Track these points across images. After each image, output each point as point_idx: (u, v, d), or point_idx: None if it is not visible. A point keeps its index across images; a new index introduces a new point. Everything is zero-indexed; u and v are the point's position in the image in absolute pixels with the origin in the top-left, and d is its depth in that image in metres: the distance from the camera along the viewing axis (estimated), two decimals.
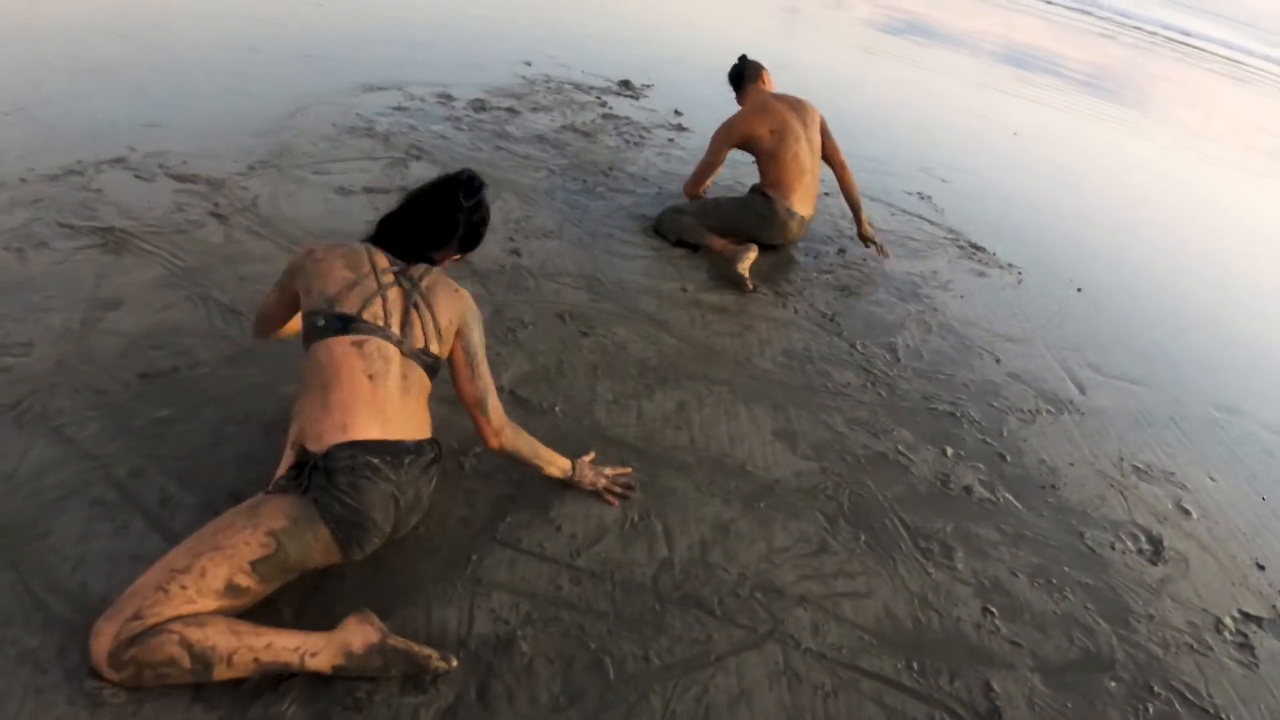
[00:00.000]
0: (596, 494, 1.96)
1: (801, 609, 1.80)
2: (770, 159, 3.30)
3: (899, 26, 10.69)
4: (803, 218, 3.34)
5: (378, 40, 4.93)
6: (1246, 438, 2.96)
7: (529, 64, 5.06)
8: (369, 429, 1.53)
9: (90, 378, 1.94)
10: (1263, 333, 4.09)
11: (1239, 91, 15.96)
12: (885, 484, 2.25)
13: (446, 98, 4.18)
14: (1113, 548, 2.24)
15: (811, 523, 2.05)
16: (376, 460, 1.52)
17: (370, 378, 1.57)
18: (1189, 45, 21.26)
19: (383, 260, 1.72)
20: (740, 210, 3.33)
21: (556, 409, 2.21)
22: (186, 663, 1.32)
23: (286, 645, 1.39)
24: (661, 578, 1.79)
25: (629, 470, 2.04)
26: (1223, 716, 1.82)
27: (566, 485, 1.96)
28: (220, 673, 1.35)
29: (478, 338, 1.77)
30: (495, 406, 1.76)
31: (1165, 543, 2.29)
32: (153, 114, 3.23)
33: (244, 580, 1.40)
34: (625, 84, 5.18)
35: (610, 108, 4.69)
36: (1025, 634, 1.90)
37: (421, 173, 3.33)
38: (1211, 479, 2.65)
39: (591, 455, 2.03)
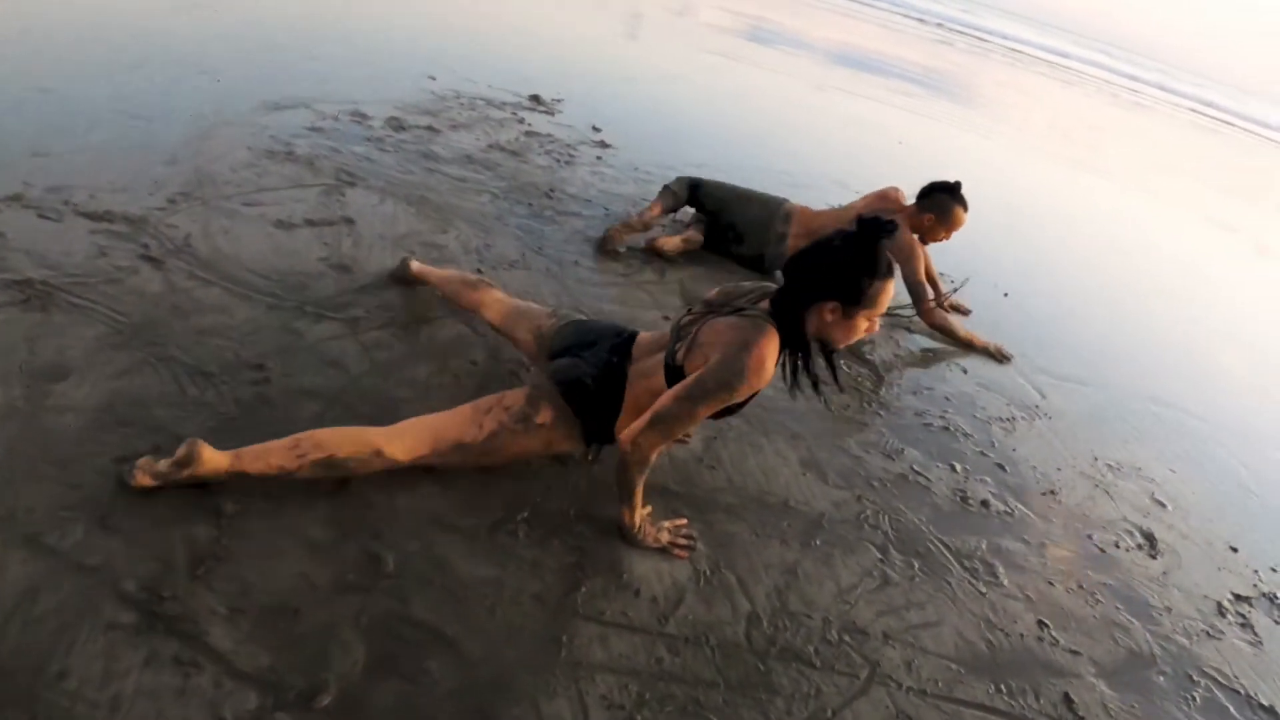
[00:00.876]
0: (661, 550, 1.88)
1: (890, 647, 1.82)
2: None
3: (766, 35, 11.16)
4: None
5: (269, 52, 4.53)
6: (1183, 427, 3.31)
7: (433, 78, 4.83)
8: None
9: (55, 469, 1.63)
10: (1159, 324, 4.59)
11: (1069, 93, 17.94)
12: (915, 507, 2.31)
13: (360, 116, 3.91)
14: (1117, 546, 2.42)
15: (866, 555, 2.07)
16: None
17: None
18: (1018, 50, 23.62)
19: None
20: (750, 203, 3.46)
21: (586, 455, 2.10)
22: None
23: None
24: (753, 633, 1.75)
25: (685, 521, 1.97)
26: (1252, 695, 2.01)
27: (627, 542, 1.87)
28: None
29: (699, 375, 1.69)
30: (645, 424, 1.71)
31: (1156, 536, 2.51)
32: (38, 141, 2.79)
33: None
34: (536, 99, 5.06)
35: (529, 125, 4.56)
36: (1078, 641, 2.01)
37: (360, 200, 3.09)
38: (1171, 470, 2.94)
39: (648, 509, 1.94)
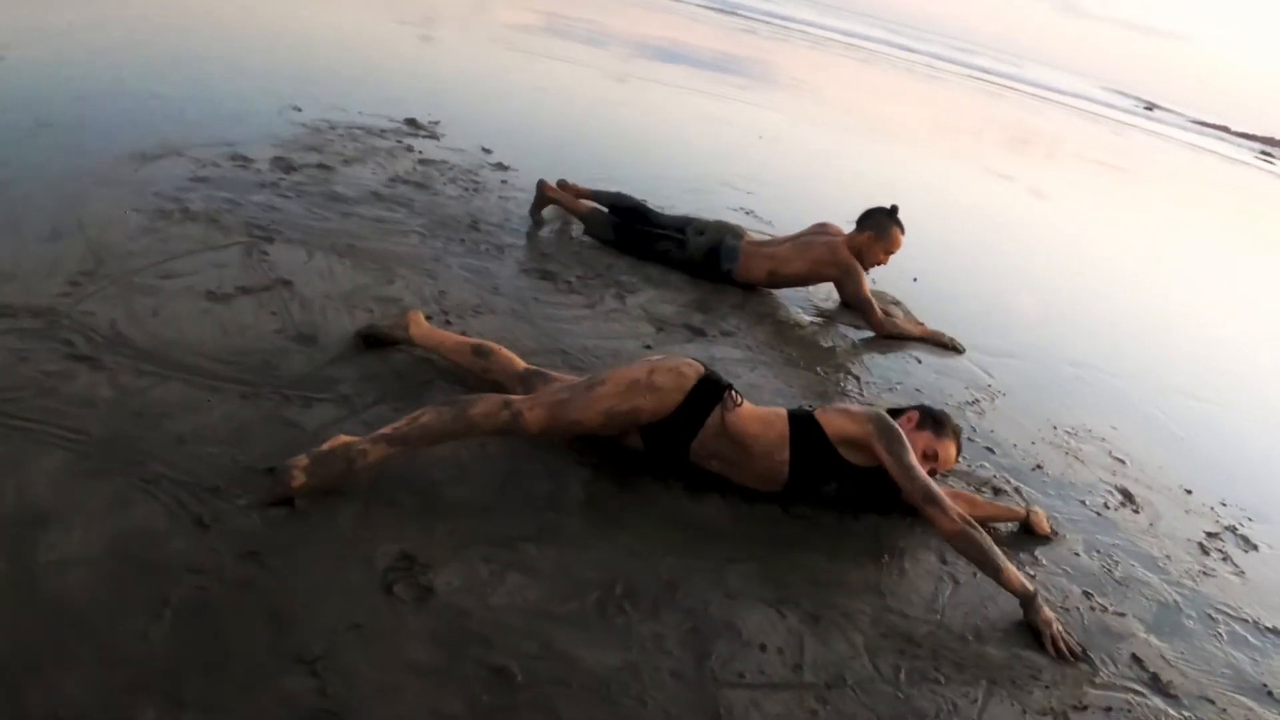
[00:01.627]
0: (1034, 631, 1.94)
1: (988, 647, 1.90)
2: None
3: (587, 34, 11.21)
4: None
5: (106, 94, 3.97)
6: (1104, 385, 3.70)
7: (299, 109, 4.43)
8: None
9: (86, 643, 1.35)
10: (1033, 286, 5.09)
11: (877, 72, 19.39)
12: None
13: (242, 159, 3.52)
14: (1107, 507, 2.67)
15: (928, 560, 2.16)
16: None
17: None
18: (815, 34, 25.20)
19: None
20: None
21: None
22: None
23: None
24: (879, 663, 1.76)
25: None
26: (1259, 622, 2.29)
27: (1031, 617, 1.97)
28: None
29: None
30: (931, 502, 1.99)
31: (1131, 491, 2.80)
32: None
33: None
34: (413, 123, 4.79)
35: (420, 152, 4.31)
36: (1119, 603, 2.20)
37: (286, 257, 2.79)
38: (1113, 428, 3.28)
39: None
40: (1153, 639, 2.10)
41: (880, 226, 3.42)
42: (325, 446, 1.79)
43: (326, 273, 2.78)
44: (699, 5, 22.37)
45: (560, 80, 7.64)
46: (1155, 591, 2.30)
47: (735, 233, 3.65)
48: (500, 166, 4.44)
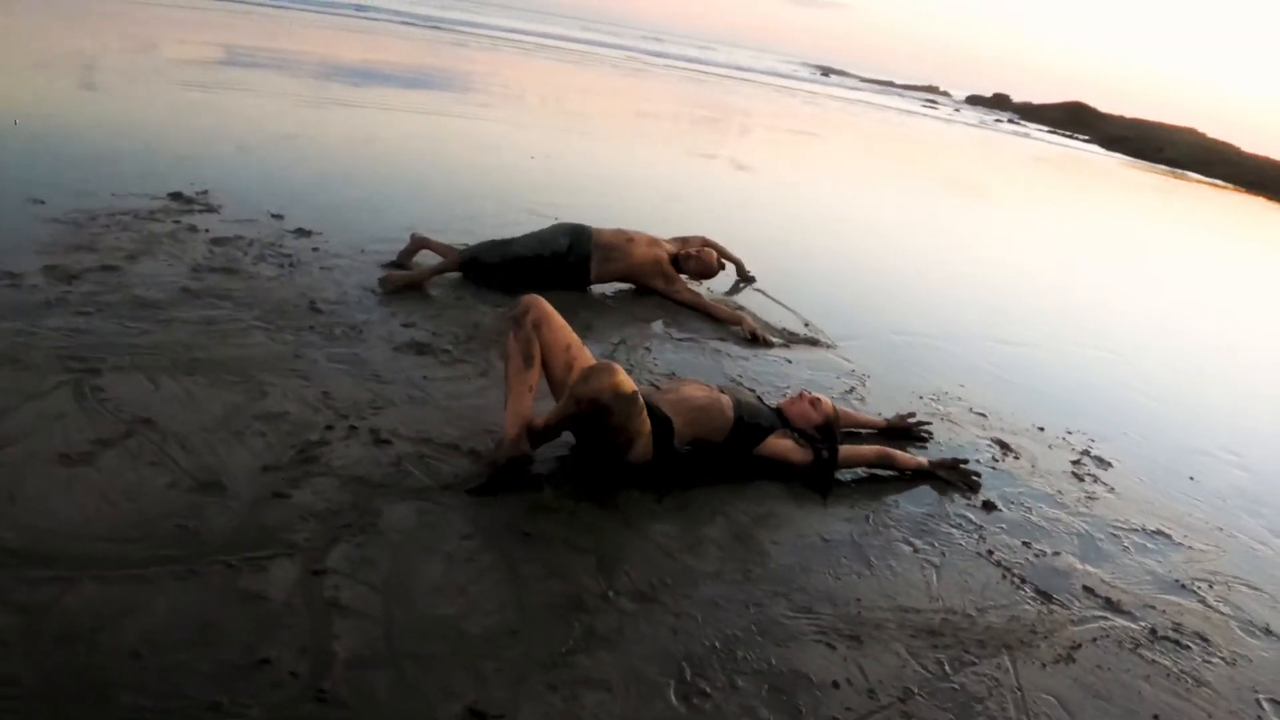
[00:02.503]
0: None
1: (992, 617, 2.12)
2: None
3: (290, 64, 10.46)
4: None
5: None
6: (930, 348, 4.20)
7: (42, 202, 3.70)
8: None
9: None
10: (828, 261, 5.61)
11: (595, 72, 19.94)
12: (891, 502, 2.65)
13: (9, 276, 2.88)
14: (995, 460, 3.06)
15: (905, 552, 2.35)
16: None
17: None
18: (519, 41, 25.40)
19: None
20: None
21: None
22: None
23: None
24: (923, 662, 1.90)
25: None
26: (1145, 527, 2.76)
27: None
28: None
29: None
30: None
31: (1003, 440, 3.22)
32: None
33: None
34: (179, 197, 4.19)
35: (207, 230, 3.80)
36: (1051, 544, 2.54)
37: (126, 389, 2.35)
38: (961, 385, 3.74)
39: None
40: (1088, 568, 2.46)
41: (695, 245, 4.29)
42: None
43: (186, 399, 2.39)
44: (399, 22, 21.75)
45: (305, 122, 7.06)
46: (1066, 525, 2.68)
47: (586, 234, 3.99)
48: (302, 232, 4.04)
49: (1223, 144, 39.52)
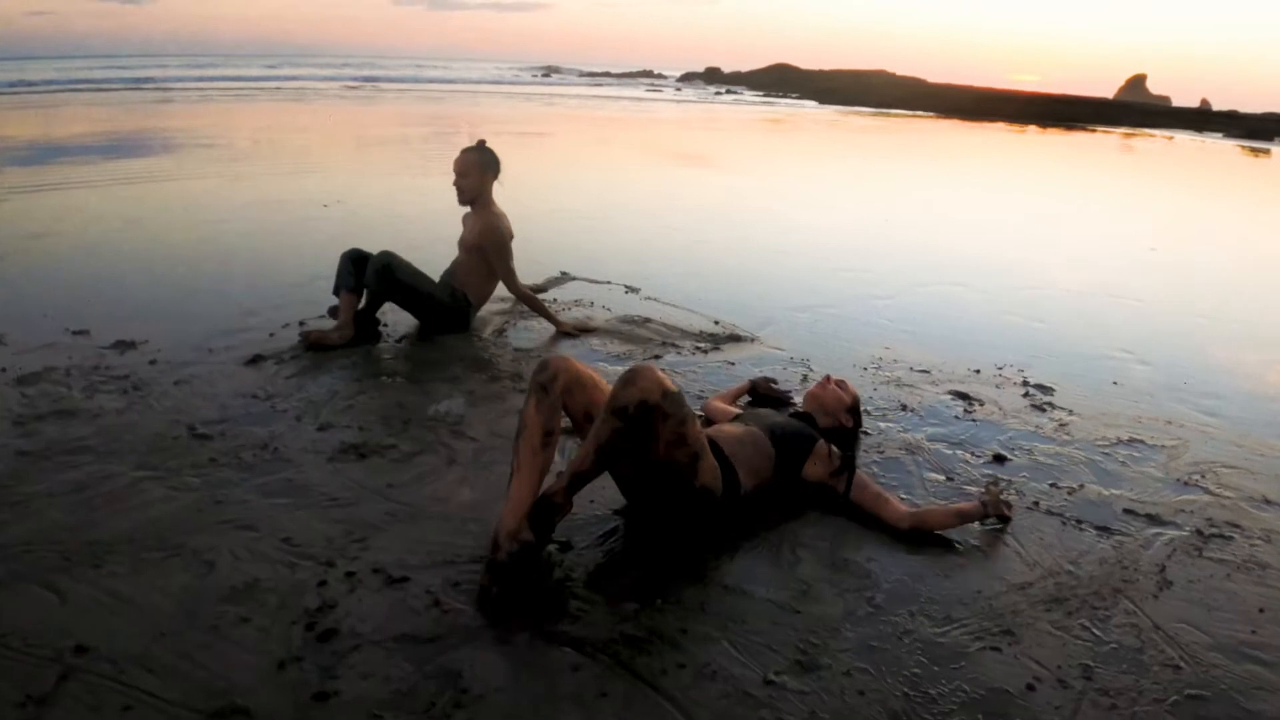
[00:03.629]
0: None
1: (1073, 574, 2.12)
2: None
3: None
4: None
5: None
6: (836, 318, 4.28)
7: None
8: None
9: None
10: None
11: (313, 106, 18.48)
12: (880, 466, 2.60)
13: None
14: (968, 413, 3.13)
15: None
16: None
17: None
18: (235, 87, 23.14)
19: None
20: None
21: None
22: None
23: None
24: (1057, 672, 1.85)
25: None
26: (1121, 439, 2.94)
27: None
28: None
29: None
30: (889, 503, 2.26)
31: (960, 391, 3.32)
32: None
33: None
34: None
35: (3, 369, 2.98)
36: (1070, 478, 2.63)
37: (12, 616, 1.73)
38: (885, 348, 3.81)
39: None
40: (1113, 491, 2.58)
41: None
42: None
43: (113, 602, 1.80)
44: (91, 89, 19.05)
45: (48, 214, 5.86)
46: (1068, 457, 2.80)
47: (449, 271, 3.82)
48: (124, 345, 3.30)
49: (912, 79, 45.15)
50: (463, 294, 3.73)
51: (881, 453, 2.74)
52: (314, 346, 3.39)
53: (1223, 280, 6.30)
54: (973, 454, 2.77)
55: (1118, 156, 19.81)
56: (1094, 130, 30.23)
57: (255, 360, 3.23)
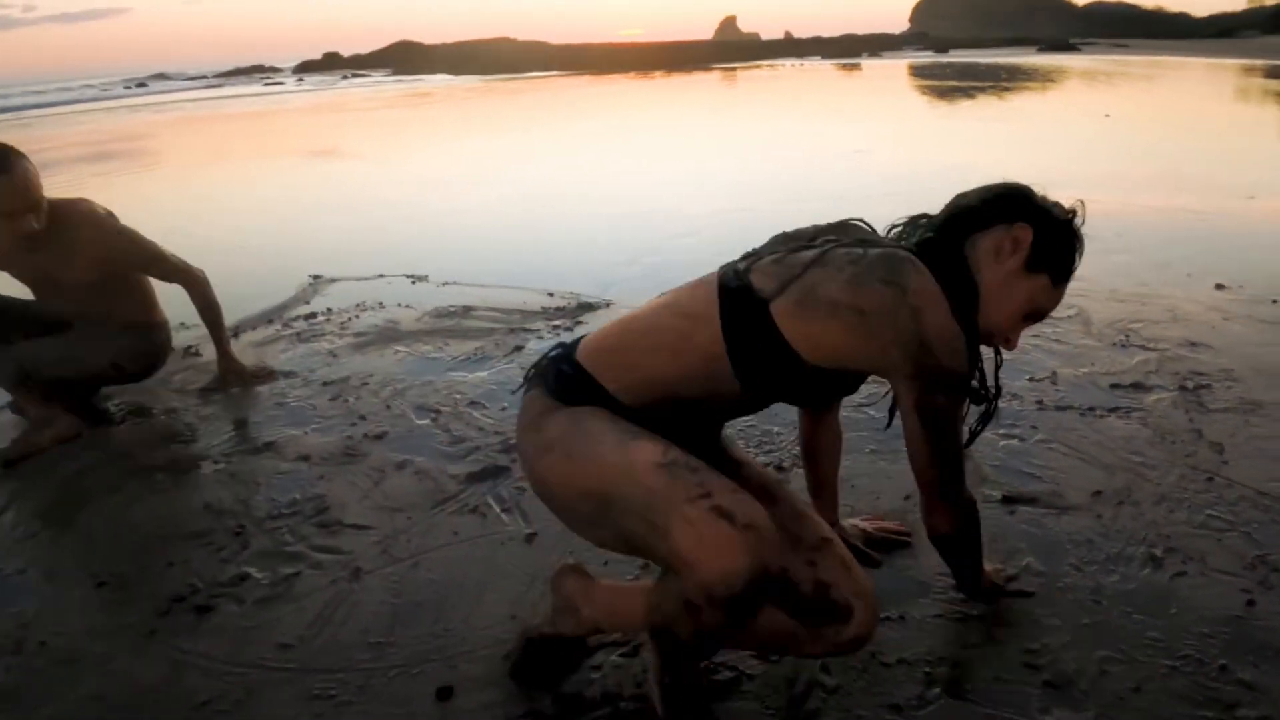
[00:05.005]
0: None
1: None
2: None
3: None
4: None
5: None
6: (678, 268, 3.82)
7: None
8: None
9: None
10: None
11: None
12: None
13: None
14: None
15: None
16: None
17: None
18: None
19: None
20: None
21: None
22: None
23: None
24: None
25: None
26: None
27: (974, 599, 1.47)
28: None
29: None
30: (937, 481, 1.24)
31: None
32: None
33: None
34: None
35: None
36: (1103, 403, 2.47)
37: None
38: None
39: None
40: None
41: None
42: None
43: None
44: None
45: None
46: (1077, 384, 2.46)
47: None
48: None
49: (536, 43, 46.40)
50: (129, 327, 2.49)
51: None
52: (15, 462, 2.21)
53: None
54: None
55: (762, 85, 21.58)
56: (717, 68, 33.76)
57: None
